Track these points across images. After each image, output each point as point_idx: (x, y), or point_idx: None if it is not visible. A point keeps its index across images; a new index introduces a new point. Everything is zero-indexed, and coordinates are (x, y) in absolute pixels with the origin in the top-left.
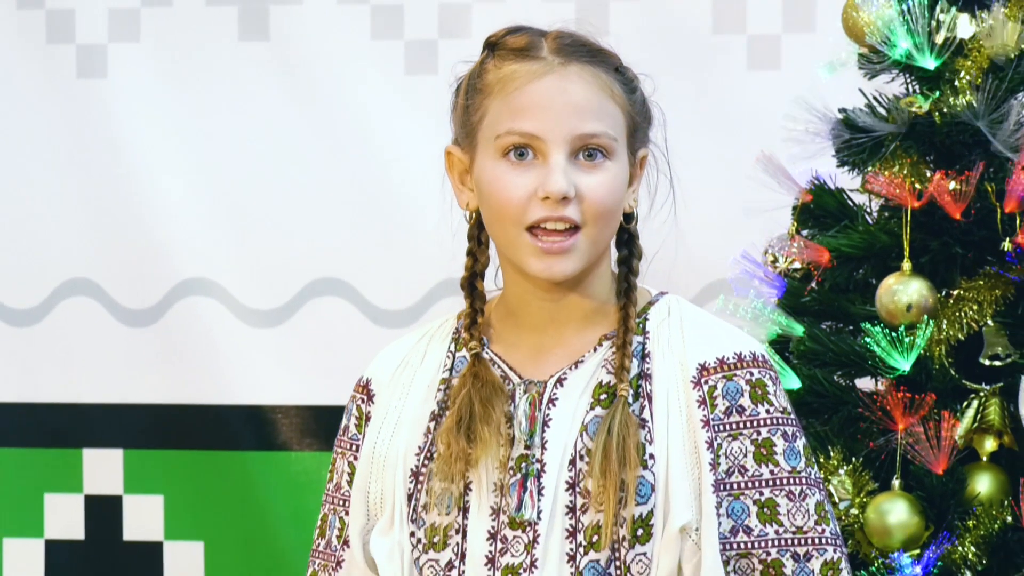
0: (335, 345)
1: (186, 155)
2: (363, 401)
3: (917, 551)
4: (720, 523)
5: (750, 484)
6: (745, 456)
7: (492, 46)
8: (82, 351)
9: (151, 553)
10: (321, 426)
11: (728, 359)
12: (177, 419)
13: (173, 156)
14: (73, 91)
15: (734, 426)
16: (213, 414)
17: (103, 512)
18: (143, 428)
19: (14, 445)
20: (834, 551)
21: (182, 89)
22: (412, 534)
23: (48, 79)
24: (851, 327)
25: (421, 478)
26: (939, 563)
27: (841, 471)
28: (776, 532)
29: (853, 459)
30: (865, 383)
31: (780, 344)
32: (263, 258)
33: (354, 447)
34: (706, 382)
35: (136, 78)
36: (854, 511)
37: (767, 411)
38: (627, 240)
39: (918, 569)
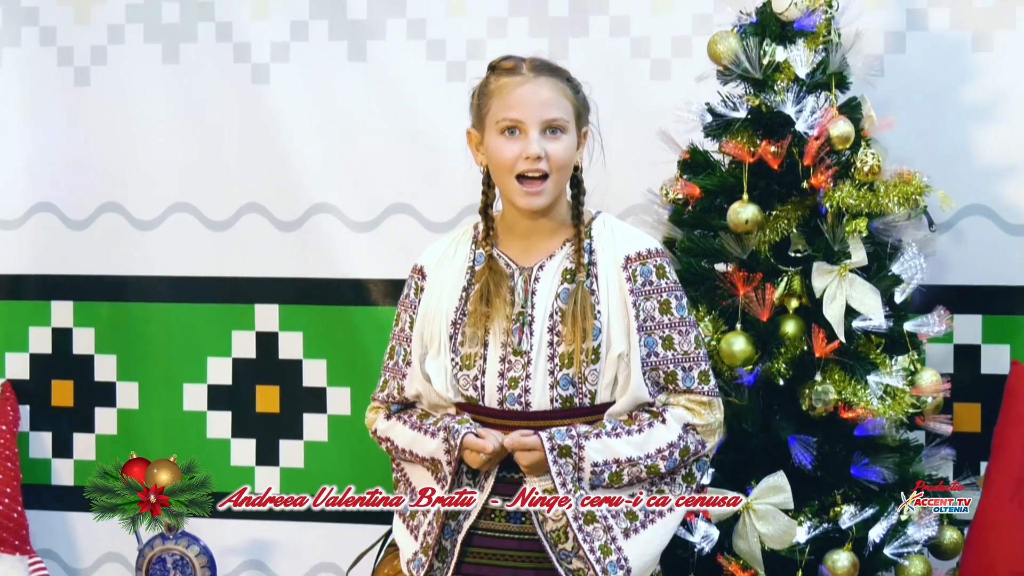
0: (403, 243)
1: (316, 130)
2: (419, 279)
3: (750, 367)
4: (640, 351)
5: (657, 327)
6: (654, 310)
7: (493, 67)
8: (254, 246)
9: (295, 367)
10: (397, 292)
11: (643, 252)
12: (311, 286)
13: (308, 130)
14: (249, 92)
15: (647, 292)
16: (332, 284)
17: (266, 342)
18: (290, 291)
19: (213, 302)
20: (706, 364)
21: (314, 90)
22: (452, 359)
23: (233, 84)
24: (712, 233)
25: (457, 325)
26: (762, 374)
27: (706, 319)
28: (672, 355)
29: (712, 312)
30: (720, 267)
31: (669, 243)
32: (362, 190)
33: (413, 307)
34: (630, 267)
35: (287, 84)
36: (713, 343)
37: (666, 283)
38: (576, 183)
39: (750, 377)
